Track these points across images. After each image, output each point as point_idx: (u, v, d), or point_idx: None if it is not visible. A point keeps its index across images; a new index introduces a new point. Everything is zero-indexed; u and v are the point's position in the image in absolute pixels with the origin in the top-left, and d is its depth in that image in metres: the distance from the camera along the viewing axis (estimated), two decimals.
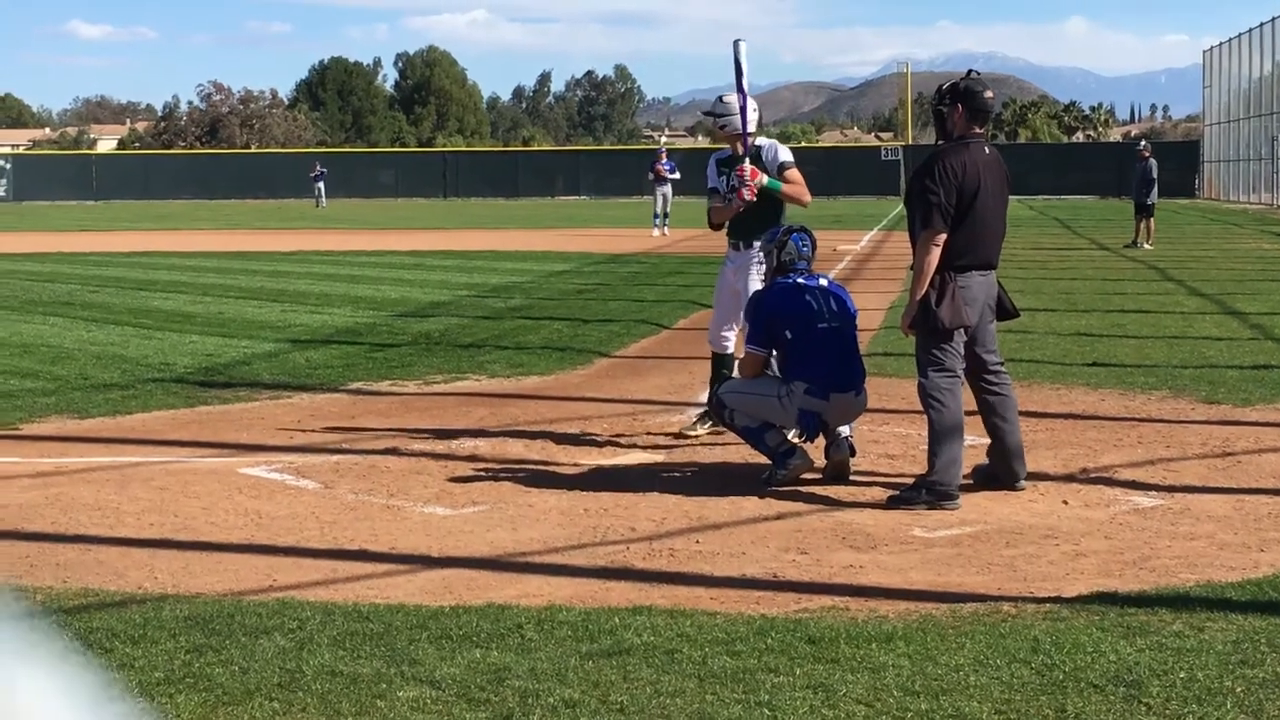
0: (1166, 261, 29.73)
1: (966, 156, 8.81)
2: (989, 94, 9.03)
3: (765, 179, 10.67)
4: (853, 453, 9.52)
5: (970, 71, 9.23)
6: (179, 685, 5.46)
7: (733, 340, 11.06)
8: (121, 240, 42.93)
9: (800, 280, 9.64)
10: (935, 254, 8.72)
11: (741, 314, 10.72)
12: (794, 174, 10.82)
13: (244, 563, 7.54)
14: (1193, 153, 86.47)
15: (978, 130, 8.98)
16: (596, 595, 6.83)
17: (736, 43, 10.93)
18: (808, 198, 10.86)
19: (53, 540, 8.03)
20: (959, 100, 8.91)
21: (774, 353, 9.59)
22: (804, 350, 9.40)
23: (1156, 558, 7.43)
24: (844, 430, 9.50)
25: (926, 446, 8.86)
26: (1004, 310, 9.17)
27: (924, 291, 8.74)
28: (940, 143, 9.10)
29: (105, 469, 10.02)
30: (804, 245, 9.76)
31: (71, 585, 7.04)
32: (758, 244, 10.58)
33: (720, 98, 11.02)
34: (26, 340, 17.25)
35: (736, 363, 10.41)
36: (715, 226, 11.03)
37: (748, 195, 10.62)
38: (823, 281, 9.77)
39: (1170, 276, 26.18)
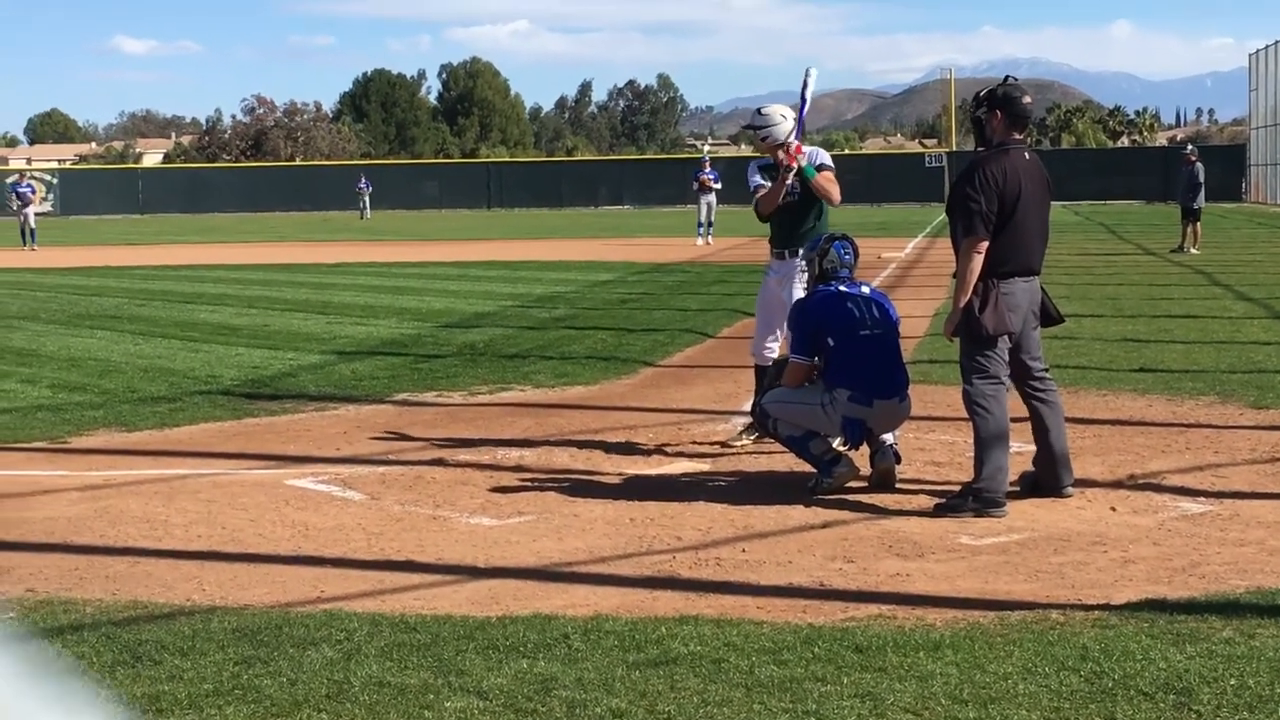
0: (1213, 266, 29.56)
1: (1007, 163, 8.79)
2: (1028, 99, 9.00)
3: (805, 160, 10.71)
4: (898, 460, 9.51)
5: (1008, 77, 9.19)
6: (228, 697, 5.48)
7: (776, 351, 11.04)
8: (167, 254, 43.19)
9: (842, 288, 9.63)
10: (978, 261, 8.70)
11: (785, 324, 10.72)
12: (829, 174, 10.84)
13: (291, 574, 7.57)
14: (1239, 156, 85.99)
15: (1017, 136, 8.95)
16: (643, 605, 6.83)
17: (808, 70, 11.08)
18: (837, 195, 10.83)
19: (101, 553, 8.08)
20: (998, 107, 8.88)
21: (817, 360, 9.57)
22: (847, 357, 9.38)
23: (1206, 564, 7.39)
24: (888, 438, 9.49)
25: (973, 454, 8.83)
26: (1048, 316, 9.12)
27: (967, 299, 8.72)
28: (980, 150, 9.08)
29: (153, 481, 10.07)
30: (846, 253, 9.75)
31: (120, 598, 7.07)
32: (801, 251, 10.59)
33: (759, 110, 11.06)
34: (74, 354, 17.36)
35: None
36: (763, 215, 10.97)
37: (785, 159, 10.64)
38: (865, 289, 9.76)
39: (1217, 281, 26.03)
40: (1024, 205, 8.75)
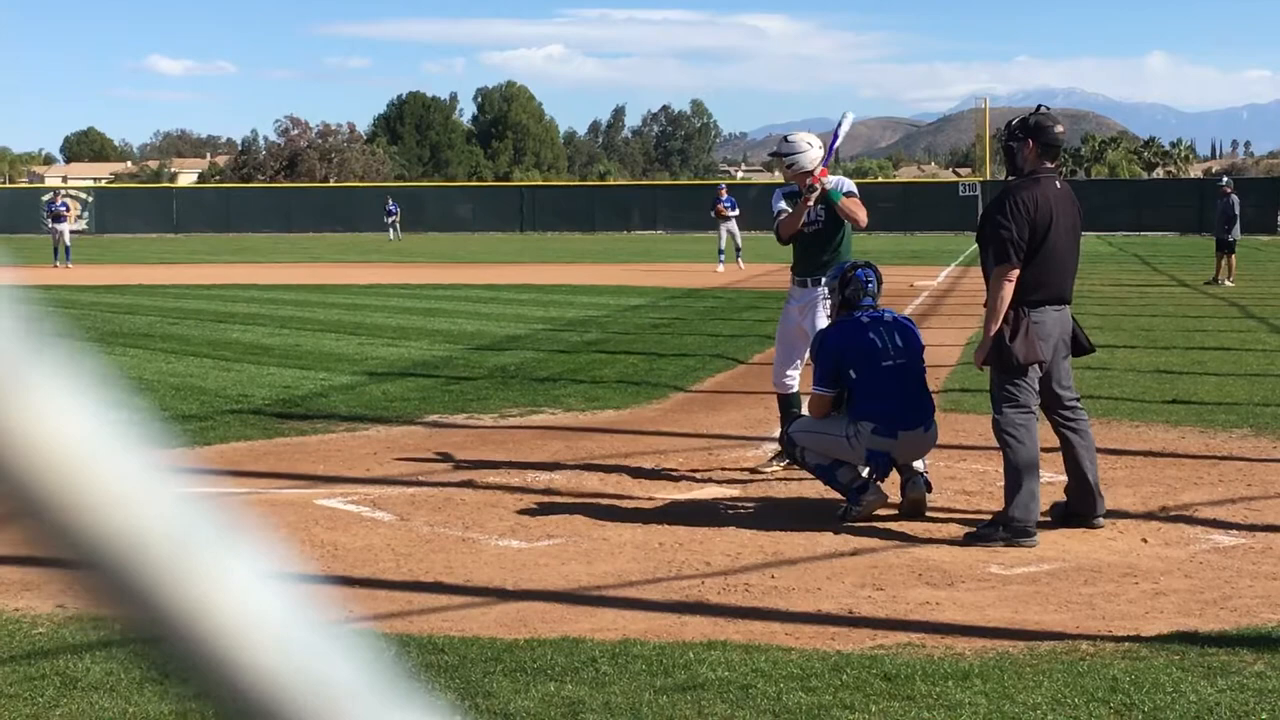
0: (1248, 298, 29.43)
1: (1038, 191, 8.78)
2: (1059, 129, 9.00)
3: (830, 182, 10.72)
4: (929, 489, 9.48)
5: (1040, 106, 9.19)
6: None
7: (797, 380, 11.03)
8: (201, 273, 43.33)
9: (864, 317, 9.61)
10: (1008, 290, 8.69)
11: (806, 352, 10.72)
12: (855, 199, 10.84)
13: (319, 594, 7.56)
14: (1275, 189, 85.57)
15: (1049, 165, 8.94)
16: (671, 629, 6.82)
17: (845, 113, 11.40)
18: (864, 217, 10.82)
19: None
20: (1029, 136, 8.88)
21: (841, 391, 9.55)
22: (869, 389, 9.36)
23: (1238, 597, 7.35)
24: (919, 465, 9.46)
25: (1003, 483, 8.81)
26: (1079, 345, 9.11)
27: (997, 327, 8.70)
28: (1010, 178, 9.08)
29: None
30: (869, 280, 9.74)
31: None
32: (825, 279, 10.59)
33: (785, 137, 11.13)
34: (106, 372, 17.39)
35: (807, 400, 10.39)
36: (784, 240, 11.00)
37: (810, 181, 10.66)
38: (887, 316, 9.73)
39: (1252, 313, 25.92)
40: (1055, 234, 8.74)
